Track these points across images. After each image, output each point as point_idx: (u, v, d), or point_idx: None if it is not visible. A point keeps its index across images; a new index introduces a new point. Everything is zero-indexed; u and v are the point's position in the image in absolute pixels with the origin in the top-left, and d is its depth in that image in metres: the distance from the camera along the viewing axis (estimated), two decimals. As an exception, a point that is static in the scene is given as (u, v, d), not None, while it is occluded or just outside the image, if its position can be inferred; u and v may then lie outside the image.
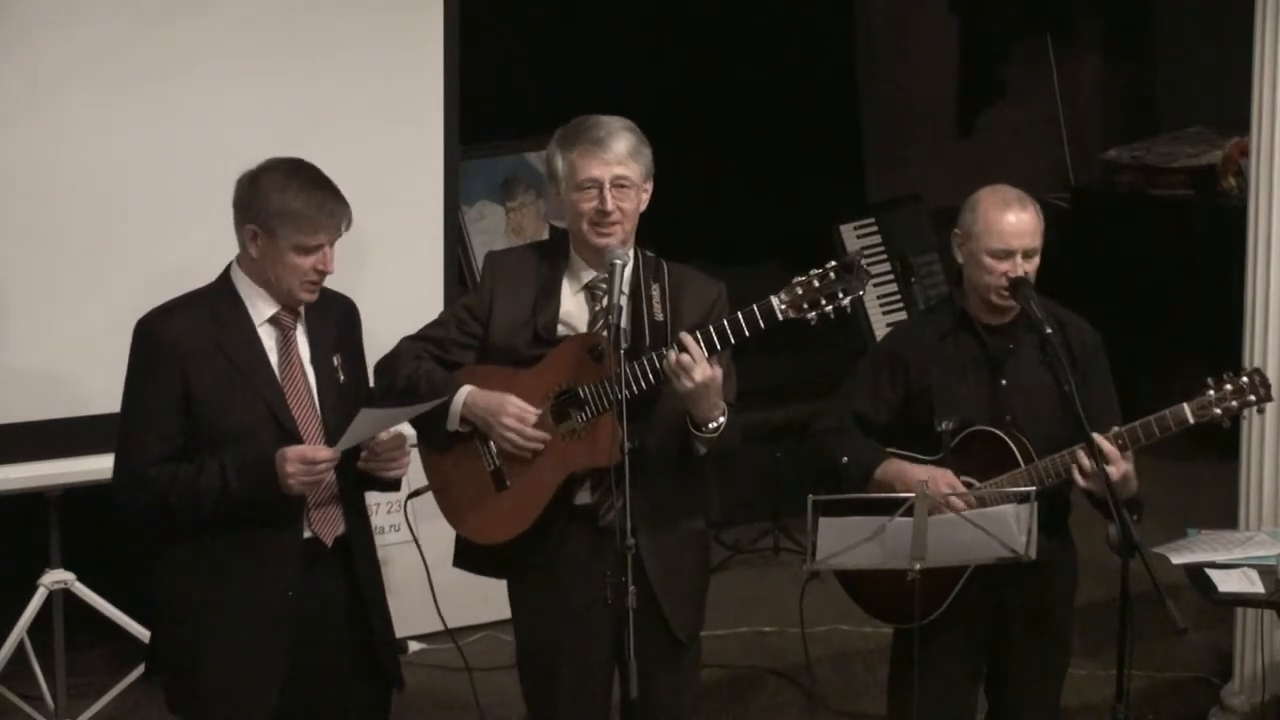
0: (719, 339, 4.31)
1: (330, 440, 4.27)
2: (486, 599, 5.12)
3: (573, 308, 4.50)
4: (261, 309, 4.28)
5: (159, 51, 5.45)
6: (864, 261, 4.32)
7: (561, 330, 4.48)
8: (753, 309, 4.31)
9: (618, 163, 4.40)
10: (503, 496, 4.48)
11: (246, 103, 5.52)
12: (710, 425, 4.35)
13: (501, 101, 7.14)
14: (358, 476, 4.36)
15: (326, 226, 4.22)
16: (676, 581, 4.50)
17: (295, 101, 5.60)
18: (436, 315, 4.67)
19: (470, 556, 4.58)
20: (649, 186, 4.49)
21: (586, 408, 4.40)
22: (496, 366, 4.49)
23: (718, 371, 4.31)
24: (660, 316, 4.46)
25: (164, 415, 4.22)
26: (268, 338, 4.29)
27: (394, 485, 4.46)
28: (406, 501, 4.62)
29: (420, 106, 5.83)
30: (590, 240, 4.44)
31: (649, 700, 4.39)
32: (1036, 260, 4.66)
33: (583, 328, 4.47)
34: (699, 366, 4.26)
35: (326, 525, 4.31)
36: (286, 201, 4.18)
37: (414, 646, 6.26)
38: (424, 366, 4.50)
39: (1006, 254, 4.62)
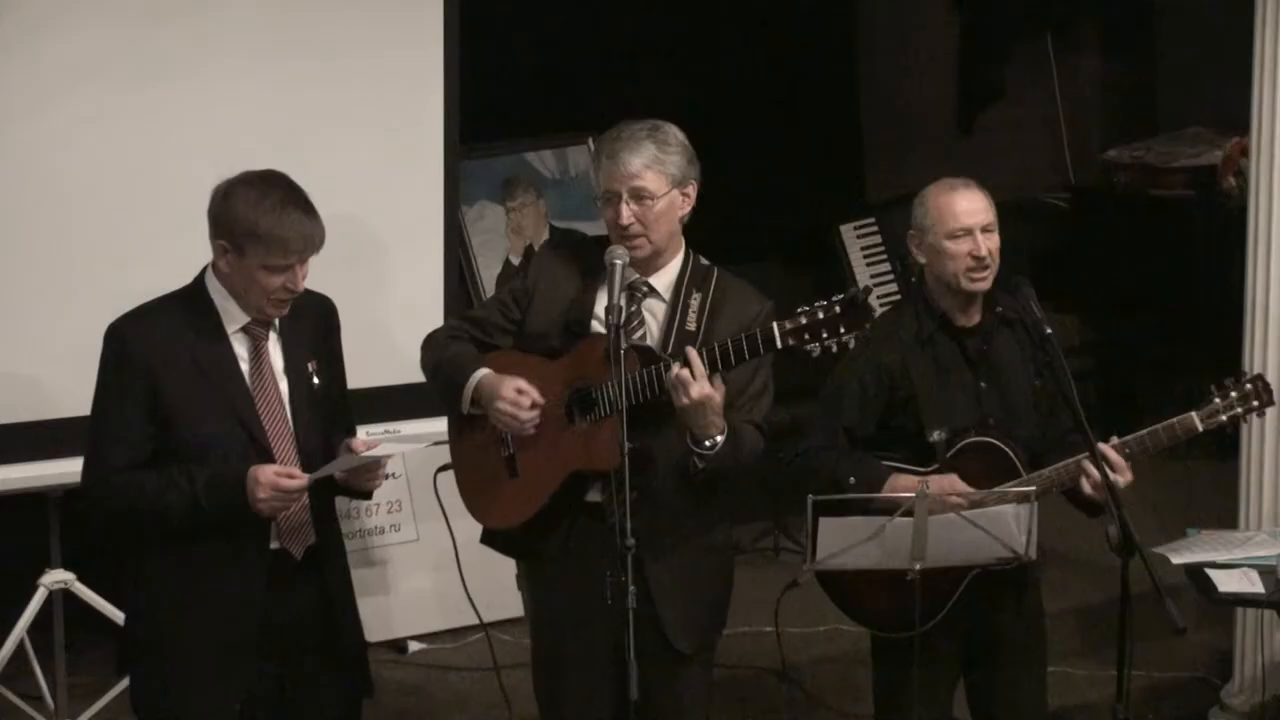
0: (721, 359, 4.30)
1: (302, 450, 4.25)
2: (487, 600, 5.11)
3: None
4: (234, 317, 4.23)
5: (159, 52, 5.44)
6: (869, 298, 4.32)
7: (594, 326, 4.48)
8: (755, 334, 4.31)
9: (632, 177, 4.39)
10: (512, 484, 4.50)
11: (246, 103, 5.52)
12: (706, 443, 4.35)
13: (501, 101, 7.13)
14: (331, 486, 4.32)
15: (296, 249, 4.15)
16: (680, 593, 4.51)
17: (295, 102, 5.59)
18: (439, 315, 4.66)
19: (495, 535, 4.61)
20: (689, 191, 4.47)
21: (595, 408, 4.41)
22: (524, 354, 4.51)
23: (718, 391, 4.30)
24: (692, 326, 4.45)
25: (131, 422, 4.18)
26: (240, 346, 4.24)
27: (367, 494, 4.45)
28: (436, 475, 4.64)
29: (420, 106, 5.83)
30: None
31: (652, 705, 4.39)
32: (996, 238, 4.65)
33: None
34: (696, 384, 4.25)
35: (296, 537, 4.27)
36: (256, 222, 4.11)
37: (414, 646, 6.25)
38: (454, 348, 4.52)
39: (965, 232, 4.62)
